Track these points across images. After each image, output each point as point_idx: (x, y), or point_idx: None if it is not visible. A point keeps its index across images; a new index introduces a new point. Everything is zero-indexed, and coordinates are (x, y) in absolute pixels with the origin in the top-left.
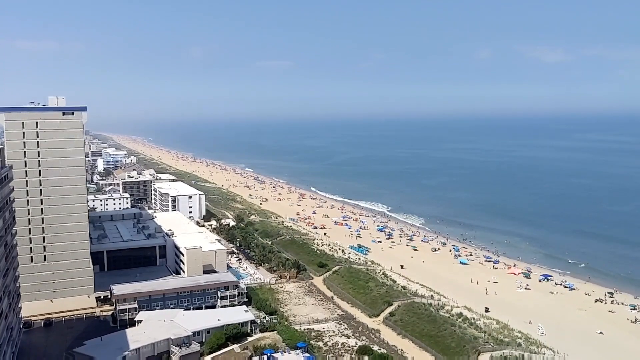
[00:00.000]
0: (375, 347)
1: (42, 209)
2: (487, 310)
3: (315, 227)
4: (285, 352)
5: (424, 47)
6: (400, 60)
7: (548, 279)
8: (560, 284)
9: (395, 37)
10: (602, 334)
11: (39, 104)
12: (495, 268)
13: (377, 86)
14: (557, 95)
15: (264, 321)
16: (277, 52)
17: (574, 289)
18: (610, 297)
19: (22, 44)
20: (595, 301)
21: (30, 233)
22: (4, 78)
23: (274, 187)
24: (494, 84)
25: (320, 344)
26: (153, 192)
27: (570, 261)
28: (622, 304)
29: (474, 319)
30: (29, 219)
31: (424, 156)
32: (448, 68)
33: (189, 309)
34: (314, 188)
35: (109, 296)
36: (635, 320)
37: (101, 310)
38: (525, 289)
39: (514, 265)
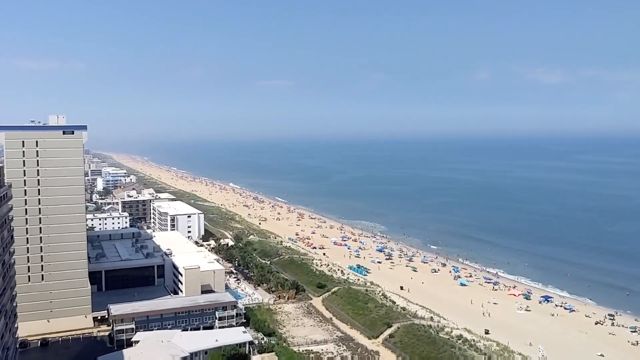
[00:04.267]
0: None
1: (40, 227)
2: (487, 332)
3: (314, 247)
4: None
5: (424, 68)
6: (400, 80)
7: (548, 301)
8: (561, 306)
9: (395, 57)
10: (603, 356)
11: (39, 122)
12: (495, 289)
13: (376, 106)
14: (556, 116)
15: (262, 342)
16: (278, 71)
17: (574, 310)
18: (611, 319)
19: (23, 63)
20: (596, 323)
21: (28, 252)
22: (5, 97)
23: (273, 206)
24: (493, 105)
25: None
26: (152, 211)
27: (570, 283)
28: (623, 326)
29: (474, 340)
30: (27, 238)
31: (423, 176)
32: (448, 89)
33: (187, 330)
34: (313, 208)
35: (107, 316)
36: (636, 342)
37: (98, 331)
38: (526, 310)
39: (514, 287)
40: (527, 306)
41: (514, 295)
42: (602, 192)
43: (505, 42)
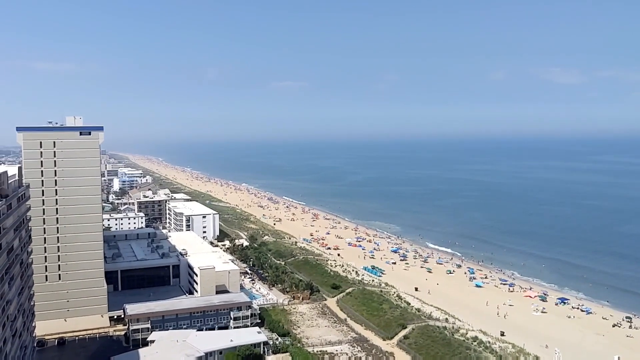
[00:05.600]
0: None
1: (57, 227)
2: (502, 334)
3: (329, 248)
4: None
5: (438, 68)
6: (414, 81)
7: (565, 303)
8: (577, 308)
9: (409, 58)
10: (620, 359)
11: (56, 123)
12: (511, 291)
13: (391, 107)
14: (571, 117)
15: (277, 343)
16: (292, 72)
17: (591, 312)
18: (628, 321)
19: (40, 65)
20: (613, 326)
21: (45, 252)
22: (23, 98)
23: (287, 207)
24: (508, 106)
25: None
26: (168, 211)
27: (586, 285)
28: None
29: (489, 342)
30: (45, 238)
31: (438, 177)
32: (462, 89)
33: (202, 330)
34: (327, 208)
35: (123, 316)
36: None
37: (114, 330)
38: (542, 312)
39: (530, 289)
40: (544, 308)
41: (530, 297)
42: (617, 193)
43: (521, 42)
